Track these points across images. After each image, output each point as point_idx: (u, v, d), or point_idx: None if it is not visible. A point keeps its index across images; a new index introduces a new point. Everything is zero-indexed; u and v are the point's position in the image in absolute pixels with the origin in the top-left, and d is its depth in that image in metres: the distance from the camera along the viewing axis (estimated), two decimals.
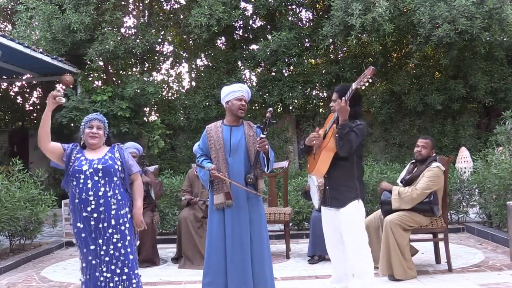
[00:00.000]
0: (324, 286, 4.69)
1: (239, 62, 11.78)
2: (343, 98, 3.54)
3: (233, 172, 3.90)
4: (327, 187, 3.79)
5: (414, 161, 5.10)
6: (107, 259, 3.38)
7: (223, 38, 12.37)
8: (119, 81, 11.40)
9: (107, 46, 9.85)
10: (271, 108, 4.08)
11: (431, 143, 4.99)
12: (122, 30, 11.26)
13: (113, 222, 3.41)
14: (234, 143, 3.94)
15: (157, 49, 11.94)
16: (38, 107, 13.12)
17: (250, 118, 10.61)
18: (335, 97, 3.77)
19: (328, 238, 3.92)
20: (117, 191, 3.46)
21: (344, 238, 3.72)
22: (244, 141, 3.95)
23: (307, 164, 3.99)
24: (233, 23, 11.22)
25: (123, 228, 3.45)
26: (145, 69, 12.14)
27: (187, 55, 12.34)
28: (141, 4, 12.15)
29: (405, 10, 9.90)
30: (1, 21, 13.41)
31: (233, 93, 3.99)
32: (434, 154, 5.04)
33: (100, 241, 3.40)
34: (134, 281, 3.44)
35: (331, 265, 3.98)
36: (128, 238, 3.46)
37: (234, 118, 4.01)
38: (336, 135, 3.57)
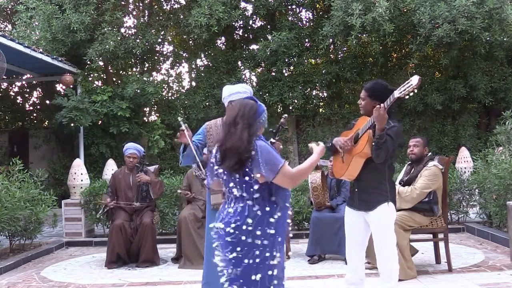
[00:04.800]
0: (324, 286, 4.70)
1: (239, 62, 11.78)
2: (382, 105, 3.29)
3: None
4: (356, 190, 3.62)
5: (410, 162, 5.09)
6: None
7: (223, 38, 12.37)
8: (119, 81, 11.40)
9: (107, 46, 9.85)
10: (286, 115, 4.05)
11: (423, 141, 4.98)
12: (122, 30, 11.27)
13: None
14: None
15: (157, 49, 11.94)
16: (38, 107, 13.11)
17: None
18: (362, 95, 3.60)
19: (350, 240, 3.73)
20: None
21: (374, 240, 3.63)
22: None
23: (330, 165, 3.88)
24: (233, 23, 11.22)
25: None
26: (145, 69, 12.14)
27: (187, 55, 12.34)
28: (141, 4, 12.15)
29: (405, 10, 9.90)
30: (1, 21, 13.41)
31: (238, 94, 3.93)
32: (431, 153, 5.05)
33: None
34: None
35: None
36: None
37: None
38: (373, 143, 3.39)
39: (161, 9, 12.21)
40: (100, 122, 10.50)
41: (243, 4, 11.21)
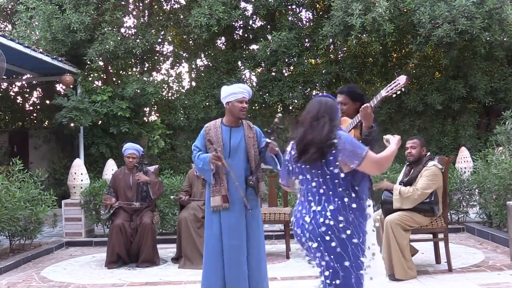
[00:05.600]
0: None
1: (239, 62, 11.79)
2: (369, 104, 3.39)
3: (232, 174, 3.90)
4: None
5: (409, 163, 5.09)
6: None
7: (223, 38, 12.38)
8: (119, 81, 11.40)
9: (107, 46, 9.85)
10: (280, 114, 4.06)
11: (420, 142, 4.99)
12: (122, 30, 11.27)
13: None
14: (233, 145, 3.92)
15: (157, 49, 11.95)
16: (38, 107, 13.11)
17: (250, 118, 10.60)
18: (344, 100, 3.67)
19: None
20: None
21: None
22: (244, 143, 3.94)
23: None
24: (233, 23, 11.22)
25: None
26: (145, 69, 12.15)
27: (187, 55, 12.34)
28: (141, 4, 12.15)
29: (405, 10, 9.91)
30: (1, 21, 13.41)
31: (234, 95, 3.94)
32: (430, 153, 5.05)
33: None
34: None
35: None
36: None
37: (234, 119, 3.99)
38: (360, 141, 3.37)
39: (161, 9, 12.22)
40: (100, 122, 10.51)
41: (243, 4, 11.22)
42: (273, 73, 11.40)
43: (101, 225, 7.47)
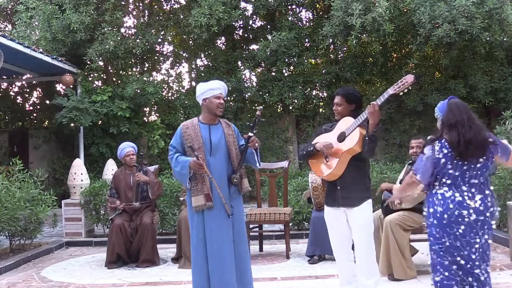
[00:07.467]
0: (324, 286, 4.69)
1: (239, 62, 11.79)
2: (376, 102, 3.44)
3: (215, 172, 3.81)
4: (339, 187, 3.67)
5: (411, 161, 5.10)
6: None
7: (223, 38, 12.38)
8: (119, 81, 11.41)
9: (107, 46, 9.86)
10: (260, 107, 4.01)
11: (425, 142, 5.00)
12: (122, 30, 11.28)
13: None
14: (214, 143, 3.86)
15: (157, 49, 11.95)
16: (38, 107, 13.11)
17: (250, 118, 10.61)
18: (339, 101, 3.70)
19: (335, 239, 3.79)
20: None
21: (355, 237, 3.66)
22: (224, 140, 3.89)
23: (311, 167, 3.87)
24: (233, 23, 11.22)
25: None
26: (145, 69, 12.16)
27: (187, 55, 12.35)
28: (141, 4, 12.16)
29: (405, 10, 9.90)
30: (1, 21, 13.41)
31: (211, 90, 3.88)
32: None
33: None
34: None
35: (336, 266, 3.94)
36: None
37: (212, 117, 3.92)
38: (366, 138, 3.49)
39: (161, 9, 12.22)
40: (100, 122, 10.50)
41: (243, 4, 11.22)
42: (273, 73, 11.41)
43: (101, 225, 7.47)
